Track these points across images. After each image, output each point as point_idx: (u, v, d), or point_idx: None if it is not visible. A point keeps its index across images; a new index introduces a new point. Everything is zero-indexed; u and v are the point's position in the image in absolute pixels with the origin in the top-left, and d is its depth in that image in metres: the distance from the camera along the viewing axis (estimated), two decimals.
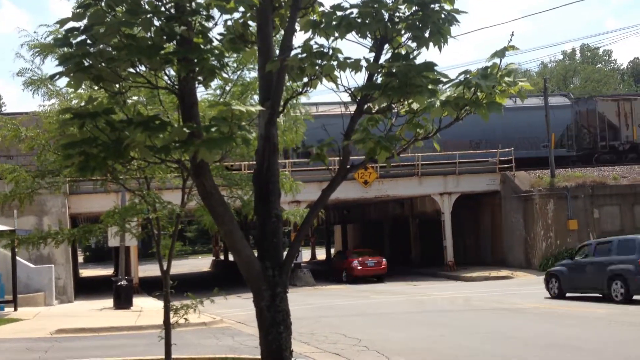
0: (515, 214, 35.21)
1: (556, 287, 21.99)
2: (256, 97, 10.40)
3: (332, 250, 58.01)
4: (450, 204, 36.01)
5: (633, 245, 19.66)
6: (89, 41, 4.49)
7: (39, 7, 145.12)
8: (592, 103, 39.70)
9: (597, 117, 38.95)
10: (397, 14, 4.97)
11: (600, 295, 20.45)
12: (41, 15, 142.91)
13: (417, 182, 35.94)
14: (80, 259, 68.87)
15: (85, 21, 4.55)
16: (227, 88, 11.26)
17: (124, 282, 24.51)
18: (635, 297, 19.29)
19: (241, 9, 4.97)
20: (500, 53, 4.75)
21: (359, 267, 34.42)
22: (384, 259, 35.21)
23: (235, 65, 11.26)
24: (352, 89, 5.10)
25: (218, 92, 11.19)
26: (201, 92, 10.06)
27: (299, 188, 12.49)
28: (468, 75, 4.79)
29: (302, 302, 23.57)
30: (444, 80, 4.83)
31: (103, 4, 4.54)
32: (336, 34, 4.93)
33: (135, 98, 9.24)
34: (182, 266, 57.46)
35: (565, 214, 34.01)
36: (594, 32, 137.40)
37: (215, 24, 4.84)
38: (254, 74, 11.05)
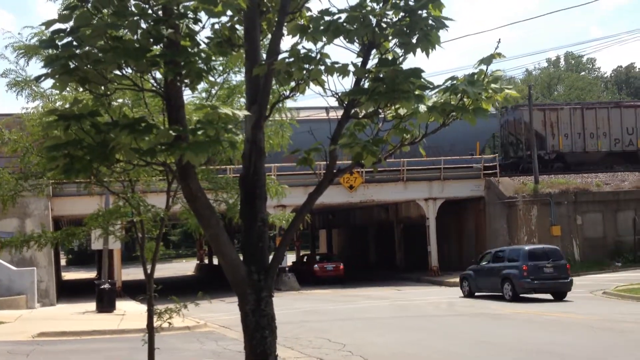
0: (499, 220, 35.42)
1: (467, 288, 26.25)
2: (243, 100, 10.39)
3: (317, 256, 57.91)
4: (435, 210, 36.15)
5: (518, 254, 24.10)
6: (75, 43, 4.46)
7: (23, 8, 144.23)
8: (519, 112, 39.78)
9: (524, 126, 39.12)
10: (384, 19, 4.98)
11: (499, 294, 24.24)
12: (25, 15, 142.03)
13: (402, 187, 36.06)
14: (63, 262, 68.30)
15: (71, 23, 4.52)
16: (214, 91, 11.24)
17: (107, 286, 24.34)
18: (522, 295, 23.51)
19: (229, 12, 4.96)
20: (487, 60, 4.78)
21: (319, 271, 37.33)
22: (341, 264, 37.98)
23: (221, 68, 11.24)
24: (340, 94, 5.11)
25: (204, 94, 11.17)
26: (188, 95, 10.02)
27: (285, 192, 12.47)
28: (455, 82, 4.82)
29: (287, 306, 23.53)
30: (431, 86, 4.85)
31: (89, 6, 4.51)
32: (324, 39, 4.93)
33: (120, 100, 9.22)
34: (167, 270, 57.20)
35: (549, 220, 34.27)
36: (578, 40, 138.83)
37: (203, 27, 4.83)
38: (240, 77, 11.04)
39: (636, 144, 39.72)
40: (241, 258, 5.20)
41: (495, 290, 24.42)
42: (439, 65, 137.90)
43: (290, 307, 23.72)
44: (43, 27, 4.83)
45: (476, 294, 25.59)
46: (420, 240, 38.90)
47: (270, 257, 5.25)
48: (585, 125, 39.36)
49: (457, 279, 33.09)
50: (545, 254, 24.02)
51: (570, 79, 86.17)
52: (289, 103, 10.96)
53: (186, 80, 4.74)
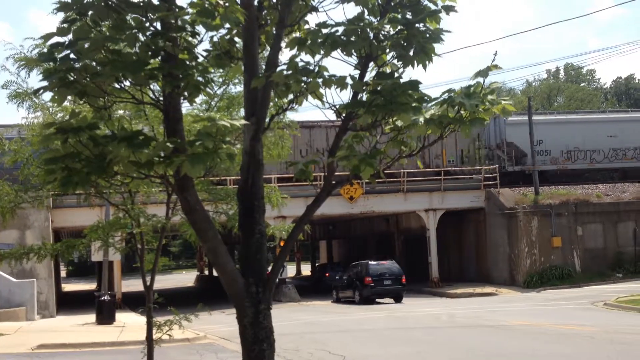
0: (500, 231, 35.37)
1: (335, 295, 34.10)
2: (242, 111, 10.42)
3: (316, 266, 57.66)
4: (435, 221, 36.11)
5: (365, 268, 31.79)
6: (73, 56, 4.48)
7: (17, 16, 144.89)
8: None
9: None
10: (382, 32, 5.00)
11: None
12: (20, 24, 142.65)
13: (402, 199, 36.05)
14: (63, 274, 68.22)
15: (70, 36, 4.54)
16: (213, 103, 11.29)
17: (106, 297, 24.29)
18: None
19: (227, 25, 4.99)
20: (484, 72, 4.80)
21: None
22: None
23: (221, 80, 11.30)
24: (337, 106, 5.12)
25: (204, 106, 11.22)
26: (188, 106, 10.05)
27: (285, 202, 12.49)
28: (452, 94, 4.83)
29: (287, 318, 23.47)
30: (429, 98, 4.86)
31: (88, 20, 4.53)
32: (322, 52, 4.95)
33: (121, 112, 9.25)
34: (167, 281, 57.10)
35: (549, 231, 34.21)
36: (577, 51, 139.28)
37: (201, 41, 4.85)
38: (240, 88, 11.09)
39: None
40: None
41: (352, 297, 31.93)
42: (440, 76, 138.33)
43: (291, 318, 23.66)
44: (42, 40, 4.85)
45: (341, 299, 33.19)
46: (420, 251, 38.85)
47: (269, 268, 5.25)
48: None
49: (458, 291, 33.14)
50: (386, 268, 31.81)
51: (570, 90, 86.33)
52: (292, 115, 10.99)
53: (184, 93, 4.75)
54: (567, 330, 17.91)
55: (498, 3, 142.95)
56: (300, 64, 4.91)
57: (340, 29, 4.90)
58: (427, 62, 4.91)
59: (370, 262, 32.46)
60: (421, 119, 4.84)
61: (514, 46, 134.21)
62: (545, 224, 34.23)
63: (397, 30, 4.97)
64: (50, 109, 11.26)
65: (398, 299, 31.52)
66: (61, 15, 4.58)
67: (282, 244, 11.42)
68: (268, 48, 5.49)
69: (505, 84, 78.80)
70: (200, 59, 4.91)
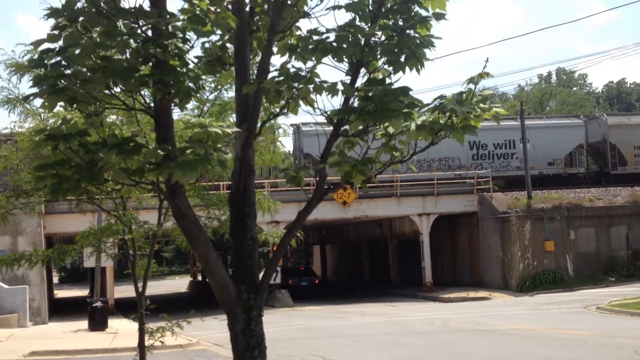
0: (493, 235, 35.41)
1: None
2: (235, 116, 10.40)
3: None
4: (428, 225, 36.14)
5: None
6: (64, 62, 4.46)
7: (6, 22, 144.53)
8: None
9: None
10: (373, 38, 5.01)
11: None
12: (9, 29, 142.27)
13: (395, 203, 36.07)
14: (56, 280, 67.85)
15: (60, 42, 4.52)
16: (205, 108, 11.26)
17: (99, 304, 24.18)
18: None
19: (218, 31, 4.98)
20: (475, 79, 4.81)
21: None
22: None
23: (213, 85, 11.27)
24: (329, 112, 5.12)
25: (196, 112, 11.19)
26: (180, 112, 10.02)
27: (278, 208, 12.46)
28: (443, 101, 4.84)
29: (280, 323, 23.41)
30: (419, 104, 4.87)
31: (79, 26, 4.52)
32: (313, 58, 4.95)
33: (113, 117, 9.22)
34: (159, 287, 56.86)
35: (542, 235, 34.27)
36: (568, 56, 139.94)
37: (192, 47, 4.84)
38: (232, 94, 11.06)
39: None
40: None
41: None
42: (432, 80, 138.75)
43: (284, 323, 23.60)
44: (33, 46, 4.83)
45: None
46: (414, 255, 38.86)
47: (261, 274, 5.23)
48: None
49: (451, 295, 33.15)
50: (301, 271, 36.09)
51: (562, 94, 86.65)
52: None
53: (175, 100, 4.74)
54: (560, 334, 17.93)
55: (490, 8, 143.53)
56: (292, 70, 4.91)
57: (332, 35, 4.90)
58: (419, 67, 4.92)
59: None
60: (412, 126, 4.84)
61: (505, 51, 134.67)
62: (538, 228, 34.29)
63: (388, 36, 4.97)
64: (42, 115, 11.22)
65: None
66: (52, 22, 4.57)
67: (275, 249, 11.39)
68: (259, 54, 5.49)
69: (498, 89, 79.10)
70: (192, 65, 4.90)
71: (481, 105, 4.74)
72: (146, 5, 4.68)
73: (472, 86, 4.84)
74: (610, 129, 41.69)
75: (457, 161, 39.90)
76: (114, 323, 25.31)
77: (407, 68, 4.94)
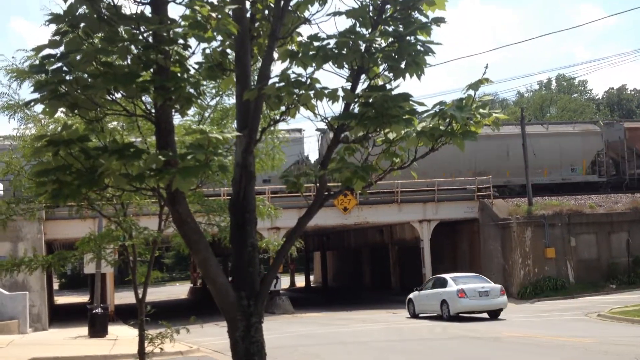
0: (493, 242, 35.37)
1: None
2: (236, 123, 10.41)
3: (312, 278, 57.59)
4: (429, 231, 36.10)
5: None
6: (65, 68, 4.47)
7: (0, 26, 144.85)
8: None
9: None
10: (373, 45, 5.02)
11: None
12: (4, 34, 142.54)
13: (396, 209, 36.04)
14: (56, 286, 67.78)
15: (61, 48, 4.53)
16: (206, 114, 11.27)
17: (99, 310, 24.14)
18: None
19: (219, 37, 4.99)
20: (475, 85, 4.81)
21: None
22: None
23: (214, 91, 11.29)
24: (329, 118, 5.12)
25: (197, 117, 11.20)
26: (181, 118, 10.04)
27: (278, 214, 12.44)
28: (443, 107, 4.84)
29: (281, 330, 23.35)
30: (420, 110, 4.87)
31: (80, 32, 4.53)
32: (313, 65, 4.96)
33: (115, 123, 9.23)
34: (160, 293, 56.79)
35: (543, 242, 34.22)
36: (568, 63, 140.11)
37: (193, 53, 4.85)
38: (233, 100, 11.07)
39: None
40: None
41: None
42: (433, 86, 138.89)
43: (284, 330, 23.55)
44: (34, 52, 4.84)
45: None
46: (415, 262, 38.79)
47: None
48: None
49: None
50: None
51: (562, 100, 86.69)
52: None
53: (176, 106, 4.75)
54: (561, 341, 17.88)
55: (489, 15, 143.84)
56: (292, 76, 4.91)
57: (332, 41, 4.91)
58: (419, 74, 4.93)
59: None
60: (413, 132, 4.85)
61: (506, 57, 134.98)
62: (538, 235, 34.24)
63: (388, 42, 4.98)
64: (43, 120, 11.23)
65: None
66: (52, 27, 4.58)
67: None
68: (260, 60, 5.50)
69: (498, 95, 79.06)
70: (192, 71, 4.90)
71: (481, 111, 4.74)
72: (147, 12, 4.69)
73: (472, 92, 4.84)
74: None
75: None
76: (114, 329, 25.27)
77: (407, 74, 4.95)
